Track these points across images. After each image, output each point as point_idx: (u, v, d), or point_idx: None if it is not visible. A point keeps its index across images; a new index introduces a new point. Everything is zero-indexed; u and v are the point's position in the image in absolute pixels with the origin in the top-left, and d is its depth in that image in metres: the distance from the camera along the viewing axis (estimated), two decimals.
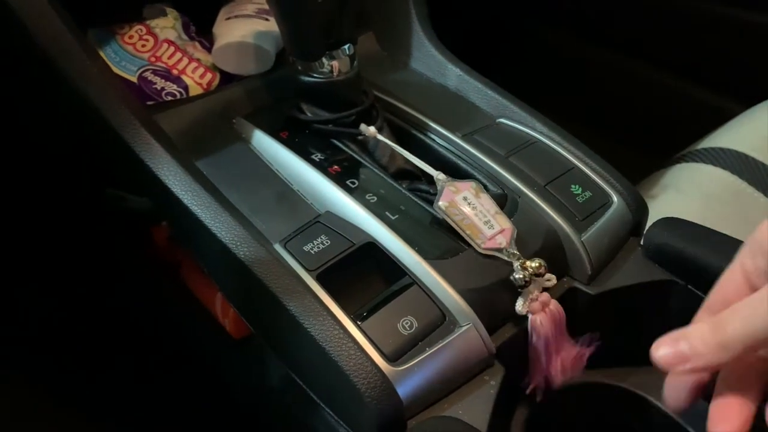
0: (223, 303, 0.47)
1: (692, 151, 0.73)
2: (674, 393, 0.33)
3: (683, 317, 0.32)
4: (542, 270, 0.37)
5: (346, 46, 0.45)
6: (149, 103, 0.48)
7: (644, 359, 0.33)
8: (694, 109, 0.93)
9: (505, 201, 0.42)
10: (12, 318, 0.72)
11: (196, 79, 0.50)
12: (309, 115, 0.46)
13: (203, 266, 0.43)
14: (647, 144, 0.93)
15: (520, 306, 0.37)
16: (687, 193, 0.67)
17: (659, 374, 0.43)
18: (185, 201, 0.39)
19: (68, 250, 0.74)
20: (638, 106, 0.97)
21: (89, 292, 0.73)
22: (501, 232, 0.38)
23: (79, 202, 0.69)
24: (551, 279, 0.38)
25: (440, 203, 0.38)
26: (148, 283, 0.63)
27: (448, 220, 0.38)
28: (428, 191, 0.43)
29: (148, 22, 0.53)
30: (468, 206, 0.38)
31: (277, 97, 0.49)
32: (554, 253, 0.40)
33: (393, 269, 0.37)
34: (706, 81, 0.90)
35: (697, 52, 0.89)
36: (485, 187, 0.42)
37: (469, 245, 0.38)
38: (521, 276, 0.36)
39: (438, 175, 0.39)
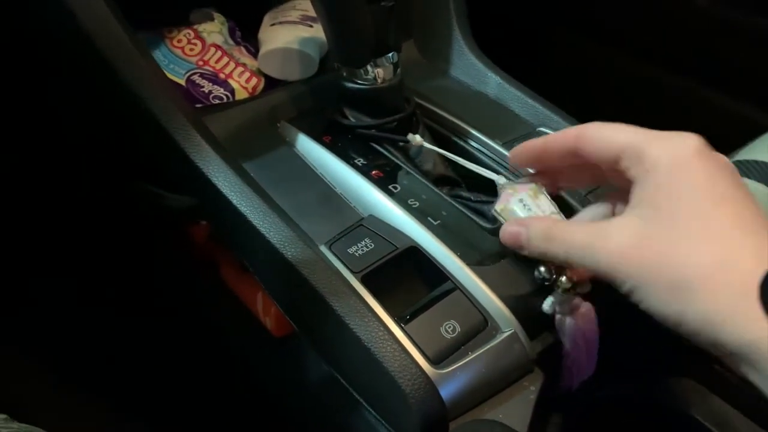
0: (265, 301, 0.48)
1: None
2: None
3: None
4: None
5: (390, 54, 0.46)
6: (197, 105, 0.50)
7: (680, 369, 0.33)
8: (728, 121, 0.92)
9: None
10: (34, 316, 0.73)
11: (242, 83, 0.52)
12: (352, 120, 0.47)
13: (248, 265, 0.44)
14: None
15: (547, 306, 0.37)
16: None
17: (695, 384, 0.43)
18: (235, 202, 0.40)
19: (98, 246, 0.76)
20: (670, 117, 0.96)
21: (122, 291, 0.74)
22: None
23: (110, 197, 0.71)
24: (587, 285, 0.38)
25: (496, 207, 0.38)
26: (184, 281, 0.65)
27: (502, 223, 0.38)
28: (469, 198, 0.43)
29: (195, 26, 0.54)
30: (522, 208, 0.38)
31: (321, 102, 0.51)
32: None
33: (435, 273, 0.38)
34: (740, 92, 0.89)
35: (730, 63, 0.88)
36: None
37: (511, 251, 0.38)
38: (544, 272, 0.36)
39: (499, 179, 0.39)
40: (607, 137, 0.32)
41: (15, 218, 0.72)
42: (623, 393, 0.43)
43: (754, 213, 0.29)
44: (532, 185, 0.39)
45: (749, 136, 0.75)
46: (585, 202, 0.43)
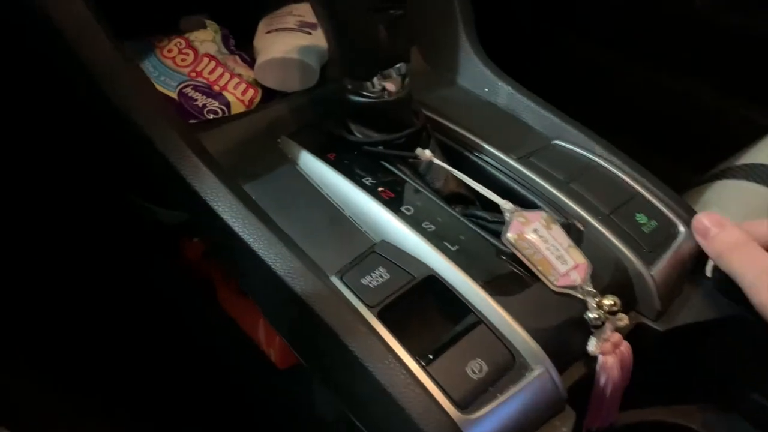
0: (268, 330, 0.45)
1: (732, 167, 0.71)
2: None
3: (753, 353, 0.30)
4: (616, 309, 0.35)
5: (399, 65, 0.43)
6: (192, 121, 0.46)
7: (710, 396, 0.31)
8: (730, 124, 0.91)
9: (570, 230, 0.40)
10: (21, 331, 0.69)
11: (238, 96, 0.48)
12: (358, 135, 0.44)
13: (250, 295, 0.41)
14: (681, 159, 0.90)
15: (593, 347, 0.35)
16: (731, 212, 0.64)
17: (724, 412, 0.41)
18: (237, 229, 0.37)
19: (86, 258, 0.72)
20: (671, 119, 0.94)
21: (114, 310, 0.70)
22: (575, 267, 0.36)
23: (100, 209, 0.68)
24: (623, 319, 0.36)
25: (509, 235, 0.37)
26: (179, 300, 0.61)
27: (518, 254, 0.36)
28: (485, 218, 0.41)
29: (187, 34, 0.51)
30: (539, 239, 0.36)
31: (323, 115, 0.48)
32: (623, 288, 0.38)
33: (457, 305, 0.35)
34: (741, 94, 0.88)
35: (730, 65, 0.87)
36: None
37: (537, 279, 0.36)
38: (597, 316, 0.34)
39: (505, 205, 0.37)
40: None
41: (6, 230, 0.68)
42: (655, 419, 0.41)
43: None
44: (543, 214, 0.38)
45: (750, 138, 0.73)
46: (608, 222, 0.40)
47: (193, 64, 0.49)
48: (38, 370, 0.66)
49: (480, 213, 0.41)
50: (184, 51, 0.49)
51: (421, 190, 0.42)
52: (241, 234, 0.37)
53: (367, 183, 0.42)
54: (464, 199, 0.44)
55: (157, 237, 0.63)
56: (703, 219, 0.39)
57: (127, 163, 0.55)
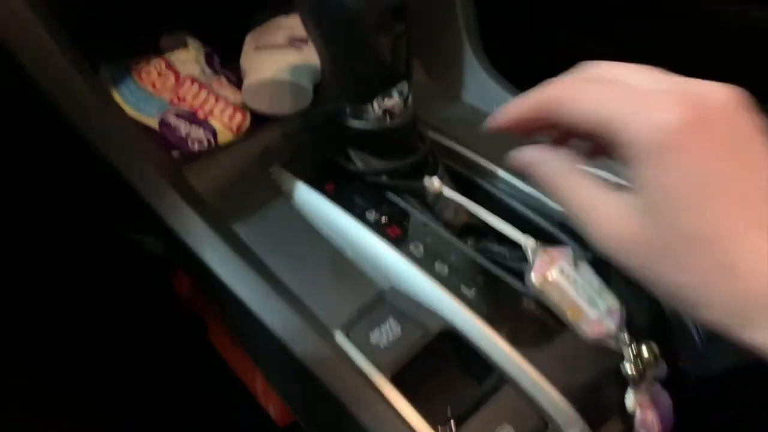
0: (267, 385, 0.41)
1: None
2: None
3: None
4: (655, 358, 0.31)
5: (401, 85, 0.39)
6: (174, 153, 0.42)
7: None
8: None
9: (598, 267, 0.36)
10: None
11: (224, 122, 0.44)
12: (359, 164, 0.40)
13: (244, 347, 0.37)
14: None
15: (631, 402, 0.31)
16: None
17: None
18: (225, 279, 0.33)
19: (69, 292, 0.68)
20: None
21: (103, 346, 0.66)
22: (608, 312, 0.32)
23: (84, 241, 0.63)
24: (663, 368, 0.32)
25: (532, 279, 0.32)
26: (170, 338, 0.57)
27: (544, 300, 0.32)
28: (502, 254, 0.37)
29: (166, 54, 0.47)
30: (567, 281, 0.32)
31: (318, 141, 0.43)
32: (661, 332, 0.34)
33: (478, 363, 0.31)
34: (757, 94, 0.84)
35: (745, 63, 0.83)
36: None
37: (567, 327, 0.32)
38: (634, 369, 0.30)
39: (527, 242, 0.33)
40: (581, 111, 0.26)
41: None
42: None
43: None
44: (569, 250, 0.34)
45: None
46: None
47: (174, 88, 0.45)
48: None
49: (497, 248, 0.37)
50: (164, 73, 0.45)
51: (431, 224, 0.37)
52: (230, 285, 0.32)
53: (371, 219, 0.37)
54: (477, 230, 0.40)
55: (146, 267, 0.59)
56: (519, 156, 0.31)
57: (108, 194, 0.51)
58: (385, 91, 0.38)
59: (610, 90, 0.26)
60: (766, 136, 0.25)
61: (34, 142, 0.52)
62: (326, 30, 0.35)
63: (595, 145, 0.30)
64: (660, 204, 0.24)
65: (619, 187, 0.26)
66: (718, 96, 0.25)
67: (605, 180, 0.28)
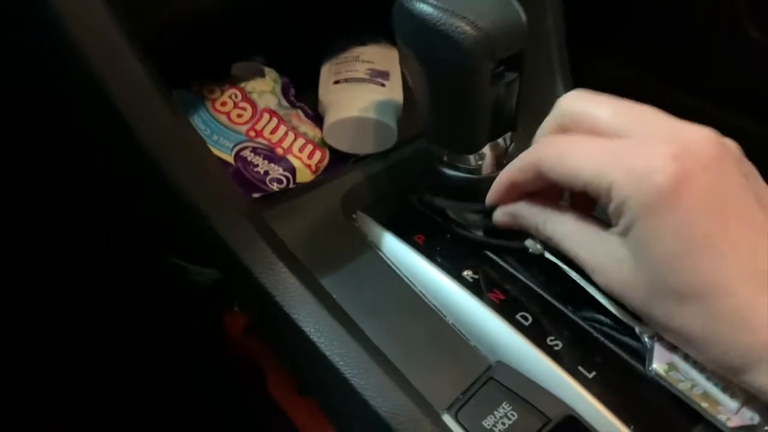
0: None
1: None
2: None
3: None
4: None
5: (508, 135, 0.36)
6: (255, 195, 0.39)
7: None
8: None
9: None
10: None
11: (304, 160, 0.41)
12: (453, 217, 0.37)
13: (332, 421, 0.34)
14: None
15: None
16: None
17: None
18: (325, 350, 0.29)
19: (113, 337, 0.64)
20: None
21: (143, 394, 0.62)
22: (748, 401, 0.29)
23: (130, 275, 0.60)
24: None
25: (655, 366, 0.29)
26: (218, 386, 0.54)
27: (671, 389, 0.29)
28: (615, 327, 0.34)
29: (242, 84, 0.44)
30: (695, 369, 0.29)
31: (404, 185, 0.41)
32: None
33: None
34: None
35: None
36: None
37: (700, 417, 0.29)
38: None
39: (644, 331, 0.30)
40: (568, 171, 0.28)
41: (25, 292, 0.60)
42: None
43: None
44: None
45: None
46: None
47: (251, 120, 0.42)
48: None
49: (607, 320, 0.34)
50: (240, 105, 0.42)
51: (536, 289, 0.34)
52: (330, 357, 0.29)
53: (469, 279, 0.34)
54: (578, 297, 0.37)
55: (189, 303, 0.56)
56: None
57: (161, 221, 0.48)
58: (492, 141, 0.35)
59: (595, 145, 0.27)
60: (752, 179, 0.26)
61: (92, 159, 0.49)
62: (440, 78, 0.32)
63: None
64: (649, 258, 0.25)
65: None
66: (705, 144, 0.25)
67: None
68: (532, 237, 0.35)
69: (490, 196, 0.34)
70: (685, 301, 0.25)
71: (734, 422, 0.28)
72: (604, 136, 0.27)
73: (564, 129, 0.30)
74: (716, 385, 0.29)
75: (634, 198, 0.25)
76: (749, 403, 0.29)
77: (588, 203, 0.32)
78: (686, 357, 0.30)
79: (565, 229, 0.30)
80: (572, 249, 0.29)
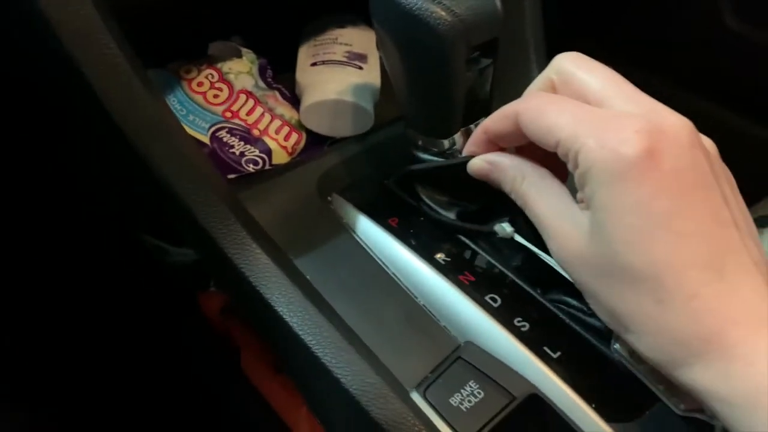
0: (312, 425, 0.39)
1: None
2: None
3: None
4: None
5: (479, 121, 0.36)
6: (230, 176, 0.39)
7: None
8: (761, 151, 0.85)
9: None
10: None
11: (280, 142, 0.42)
12: (427, 201, 0.38)
13: (298, 387, 0.35)
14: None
15: None
16: None
17: None
18: (298, 329, 0.30)
19: (90, 311, 0.64)
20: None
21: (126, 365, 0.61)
22: None
23: (109, 252, 0.60)
24: None
25: (617, 347, 0.30)
26: (199, 358, 0.54)
27: (633, 370, 0.30)
28: (581, 309, 0.35)
29: (219, 65, 0.44)
30: None
31: (378, 167, 0.41)
32: None
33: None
34: None
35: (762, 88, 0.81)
36: None
37: (657, 398, 0.30)
38: None
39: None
40: (545, 127, 0.27)
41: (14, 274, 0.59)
42: None
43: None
44: None
45: None
46: None
47: (227, 101, 0.42)
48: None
49: (574, 302, 0.35)
50: (217, 85, 0.42)
51: (507, 274, 0.35)
52: (303, 336, 0.30)
53: (441, 261, 0.35)
54: (546, 279, 0.38)
55: (172, 287, 0.56)
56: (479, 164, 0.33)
57: (139, 204, 0.48)
58: (465, 126, 0.36)
59: (575, 108, 0.27)
60: (723, 182, 0.26)
61: (73, 141, 0.48)
62: (415, 63, 0.32)
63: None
64: (606, 230, 0.25)
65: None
66: (680, 131, 0.25)
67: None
68: (501, 221, 0.36)
69: (469, 145, 0.33)
70: (635, 282, 0.24)
71: (688, 405, 0.29)
72: (590, 103, 0.27)
73: (553, 88, 0.30)
74: None
75: (599, 166, 0.25)
76: None
77: (562, 175, 0.31)
78: None
79: (541, 190, 0.29)
80: (540, 212, 0.29)
